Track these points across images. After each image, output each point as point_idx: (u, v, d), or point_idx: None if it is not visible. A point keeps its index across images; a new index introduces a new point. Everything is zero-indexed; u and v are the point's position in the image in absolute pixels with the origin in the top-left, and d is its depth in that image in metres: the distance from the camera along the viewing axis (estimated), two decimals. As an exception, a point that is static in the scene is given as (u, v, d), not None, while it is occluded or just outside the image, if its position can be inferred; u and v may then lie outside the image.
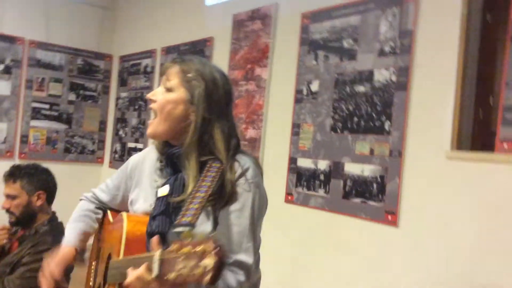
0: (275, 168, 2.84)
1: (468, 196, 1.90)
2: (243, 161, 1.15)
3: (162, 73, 1.19)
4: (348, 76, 2.47)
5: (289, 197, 2.74)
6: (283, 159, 2.80)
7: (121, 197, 1.34)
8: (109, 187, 1.38)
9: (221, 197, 1.10)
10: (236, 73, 3.20)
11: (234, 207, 1.10)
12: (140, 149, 4.13)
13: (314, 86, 2.67)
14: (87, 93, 4.51)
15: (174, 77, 1.14)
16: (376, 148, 2.30)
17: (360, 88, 2.40)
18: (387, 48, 2.30)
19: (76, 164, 4.54)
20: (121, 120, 4.42)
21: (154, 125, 1.15)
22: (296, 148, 2.74)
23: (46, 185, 1.98)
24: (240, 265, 1.08)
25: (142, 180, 1.27)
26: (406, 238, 2.14)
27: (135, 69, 4.28)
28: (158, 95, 1.16)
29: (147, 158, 1.29)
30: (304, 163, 2.68)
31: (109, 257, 1.25)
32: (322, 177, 2.57)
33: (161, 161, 1.23)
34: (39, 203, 1.96)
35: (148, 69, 4.11)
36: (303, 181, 2.67)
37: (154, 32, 4.10)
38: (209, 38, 3.48)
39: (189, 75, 1.12)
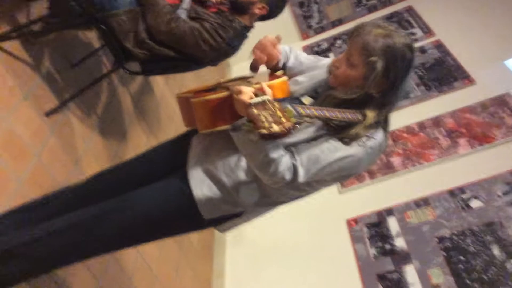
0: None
1: None
2: (379, 133, 1.15)
3: (349, 36, 1.16)
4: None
5: (352, 222, 2.74)
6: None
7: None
8: (300, 58, 1.45)
9: (336, 131, 1.12)
10: (449, 121, 3.06)
11: (337, 143, 1.11)
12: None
13: (472, 201, 2.51)
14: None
15: (356, 53, 1.12)
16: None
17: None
18: None
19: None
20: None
21: (336, 81, 1.18)
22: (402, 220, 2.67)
23: (274, 9, 1.98)
24: (295, 169, 1.10)
25: (312, 75, 1.33)
26: None
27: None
28: (341, 66, 1.16)
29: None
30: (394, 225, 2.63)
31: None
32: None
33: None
34: (257, 11, 1.96)
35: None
36: (377, 238, 2.66)
37: None
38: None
39: (372, 58, 1.09)
